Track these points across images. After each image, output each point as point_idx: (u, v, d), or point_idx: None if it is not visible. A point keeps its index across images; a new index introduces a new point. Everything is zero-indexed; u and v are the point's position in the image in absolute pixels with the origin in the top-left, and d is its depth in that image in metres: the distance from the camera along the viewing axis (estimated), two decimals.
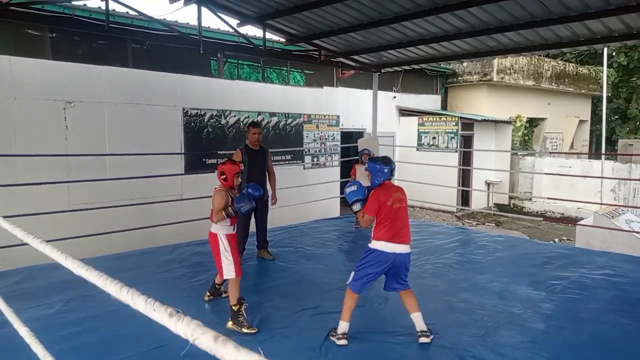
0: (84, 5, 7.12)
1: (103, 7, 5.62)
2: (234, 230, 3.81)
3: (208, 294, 4.19)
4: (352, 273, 3.44)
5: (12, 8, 5.19)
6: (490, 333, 3.51)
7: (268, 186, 5.39)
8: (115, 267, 5.07)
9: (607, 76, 16.24)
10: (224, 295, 4.08)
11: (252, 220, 5.42)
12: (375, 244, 3.34)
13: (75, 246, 5.23)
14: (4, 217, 1.82)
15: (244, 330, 3.51)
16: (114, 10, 7.21)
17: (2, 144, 5.90)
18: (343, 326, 3.37)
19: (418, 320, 3.41)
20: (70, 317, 3.68)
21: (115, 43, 8.02)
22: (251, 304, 4.13)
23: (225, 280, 3.79)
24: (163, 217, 6.51)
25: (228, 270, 3.64)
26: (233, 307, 3.57)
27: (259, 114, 9.26)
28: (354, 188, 3.47)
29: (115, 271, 4.88)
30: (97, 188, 6.36)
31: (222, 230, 3.74)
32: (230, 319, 3.58)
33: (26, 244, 1.54)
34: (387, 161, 3.47)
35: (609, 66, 18.35)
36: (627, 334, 3.54)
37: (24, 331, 1.61)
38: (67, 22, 6.52)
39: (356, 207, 3.44)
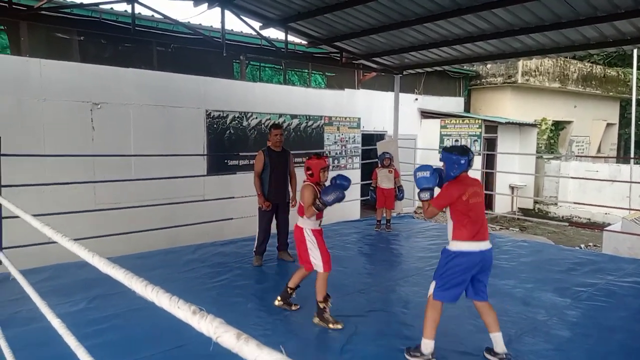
0: (111, 9, 7.29)
1: (129, 10, 5.74)
2: (319, 225, 3.78)
3: (279, 298, 4.00)
4: (433, 282, 3.15)
5: (43, 12, 5.33)
6: (514, 340, 3.44)
7: (289, 188, 5.41)
8: (139, 266, 5.16)
9: (637, 78, 15.80)
10: (293, 307, 3.94)
11: (274, 222, 5.44)
12: (459, 245, 3.05)
13: (100, 245, 5.32)
14: (33, 215, 1.87)
15: (330, 325, 3.55)
16: (139, 13, 7.37)
17: (32, 144, 6.08)
18: (428, 345, 3.09)
19: (499, 340, 3.12)
20: (95, 315, 3.75)
21: (141, 46, 8.18)
22: (271, 305, 4.15)
23: (297, 287, 3.93)
24: (186, 217, 6.60)
25: (317, 264, 3.65)
26: (319, 304, 3.60)
27: (280, 115, 9.32)
28: (426, 174, 3.17)
29: (139, 270, 4.95)
30: (122, 188, 6.49)
31: (309, 224, 3.71)
32: (316, 314, 3.63)
33: (53, 242, 1.57)
34: (465, 151, 3.14)
35: (638, 68, 17.85)
36: None
37: (57, 323, 1.65)
38: (95, 26, 6.69)
39: (424, 195, 3.17)
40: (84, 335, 3.35)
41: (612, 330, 3.65)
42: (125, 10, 7.16)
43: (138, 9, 5.80)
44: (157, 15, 6.41)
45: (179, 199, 6.75)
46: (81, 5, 6.43)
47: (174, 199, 6.71)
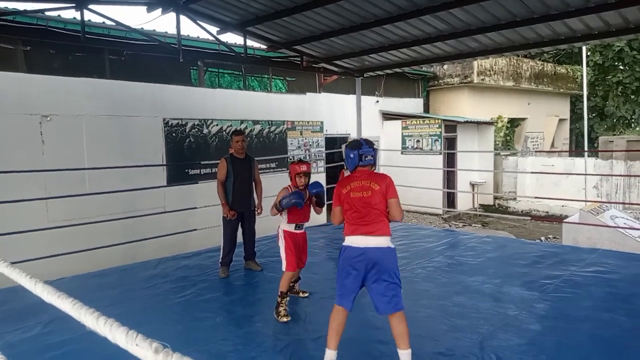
0: (58, 16, 6.94)
1: (78, 17, 5.46)
2: (295, 228, 4.02)
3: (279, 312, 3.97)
4: None
5: None
6: (488, 337, 3.44)
7: (255, 196, 5.27)
8: (96, 285, 4.89)
9: (586, 74, 16.52)
10: (301, 294, 4.35)
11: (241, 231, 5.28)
12: (345, 241, 2.94)
13: (54, 264, 5.04)
14: None
15: (279, 319, 3.79)
16: (89, 20, 7.04)
17: None
18: (327, 356, 2.92)
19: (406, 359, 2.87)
20: (51, 340, 3.50)
21: (92, 54, 7.82)
22: (240, 317, 4.01)
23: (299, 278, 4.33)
24: (146, 231, 6.33)
25: (283, 263, 3.96)
26: (278, 297, 3.87)
27: (242, 122, 9.15)
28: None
29: (96, 289, 4.73)
30: (77, 203, 6.16)
31: (282, 225, 4.04)
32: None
33: None
34: (356, 145, 3.05)
35: (587, 65, 18.68)
36: (623, 331, 3.50)
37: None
38: (41, 34, 6.34)
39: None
40: None
41: (580, 320, 3.72)
42: (74, 18, 6.83)
43: (88, 15, 5.52)
44: (108, 22, 6.14)
45: (138, 212, 6.48)
46: (24, 12, 6.06)
47: (133, 213, 6.42)
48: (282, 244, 3.97)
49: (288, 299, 3.92)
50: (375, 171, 3.11)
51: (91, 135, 6.97)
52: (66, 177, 6.26)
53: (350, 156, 3.01)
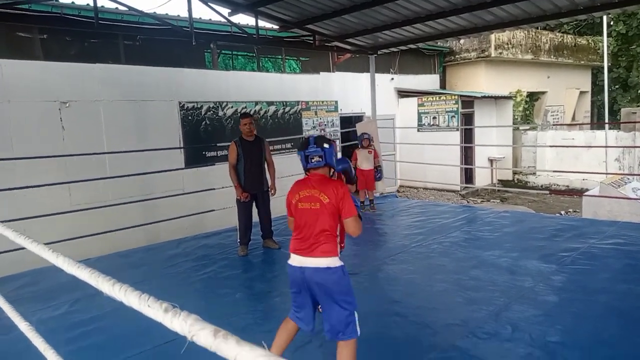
0: (72, 2, 7.01)
1: (91, 3, 5.52)
2: None
3: None
4: None
5: None
6: (503, 309, 3.47)
7: (268, 176, 5.32)
8: (121, 265, 5.05)
9: (607, 45, 16.01)
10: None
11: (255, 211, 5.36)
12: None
13: (79, 247, 5.21)
14: (2, 221, 1.76)
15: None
16: (102, 6, 7.10)
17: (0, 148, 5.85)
18: None
19: None
20: (79, 318, 3.66)
21: (107, 40, 7.91)
22: (259, 293, 4.11)
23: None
24: (166, 212, 6.47)
25: None
26: None
27: (257, 103, 9.18)
28: None
29: (121, 269, 4.89)
30: (98, 187, 6.32)
31: None
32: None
33: (23, 248, 1.48)
34: (302, 144, 2.63)
35: (608, 35, 18.08)
36: None
37: (32, 335, 1.56)
38: (56, 21, 6.42)
39: None
40: (69, 339, 3.28)
41: (596, 292, 3.71)
42: (88, 4, 6.89)
43: (101, 1, 5.58)
44: (121, 8, 6.18)
45: (157, 194, 6.62)
46: (39, 0, 6.15)
47: (152, 195, 6.57)
48: None
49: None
50: (330, 177, 2.67)
51: (109, 120, 7.09)
52: (87, 161, 6.42)
53: (300, 157, 2.61)
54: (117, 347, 3.16)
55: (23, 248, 1.34)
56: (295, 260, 2.52)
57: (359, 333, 2.48)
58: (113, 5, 5.88)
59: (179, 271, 4.79)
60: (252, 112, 8.97)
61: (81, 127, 6.80)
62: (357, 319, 2.49)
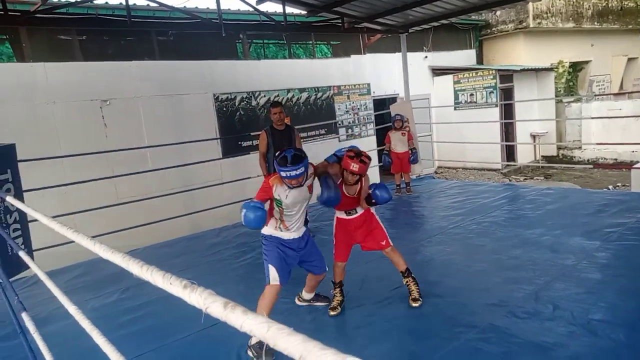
0: (106, 3, 7.25)
1: (124, 2, 5.69)
2: (346, 214, 3.47)
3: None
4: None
5: (38, 15, 5.33)
6: (544, 288, 3.40)
7: None
8: (164, 254, 5.27)
9: None
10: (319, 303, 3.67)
11: None
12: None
13: (125, 238, 5.46)
14: (54, 216, 1.89)
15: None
16: (134, 4, 7.32)
17: (47, 147, 6.18)
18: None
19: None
20: (129, 305, 3.86)
21: (141, 37, 8.14)
22: (296, 277, 4.15)
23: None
24: (206, 202, 6.67)
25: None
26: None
27: (289, 91, 9.23)
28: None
29: (165, 258, 5.09)
30: (141, 180, 6.57)
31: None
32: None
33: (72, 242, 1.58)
34: (280, 162, 2.88)
35: None
36: None
37: (85, 322, 1.68)
38: (92, 22, 6.66)
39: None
40: (120, 324, 3.48)
41: None
42: (121, 3, 7.11)
43: (132, 0, 5.74)
44: (152, 4, 6.35)
45: (197, 185, 6.82)
46: (75, 4, 6.40)
47: (192, 186, 6.77)
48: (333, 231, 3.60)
49: (337, 289, 3.55)
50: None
51: (148, 115, 7.34)
52: (129, 156, 6.68)
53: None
54: (165, 331, 3.33)
55: (72, 241, 1.44)
56: None
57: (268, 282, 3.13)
58: (144, 2, 6.05)
59: (220, 258, 4.95)
60: (283, 100, 9.03)
61: (122, 123, 7.08)
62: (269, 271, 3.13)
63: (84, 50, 7.66)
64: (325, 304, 3.56)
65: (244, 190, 7.07)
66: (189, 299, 0.75)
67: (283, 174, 2.88)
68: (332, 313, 3.44)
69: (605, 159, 12.83)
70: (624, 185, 9.96)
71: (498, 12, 13.83)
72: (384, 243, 3.44)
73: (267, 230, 3.23)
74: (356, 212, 3.45)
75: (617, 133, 12.07)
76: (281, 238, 3.19)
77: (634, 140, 10.54)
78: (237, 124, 8.40)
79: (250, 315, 0.64)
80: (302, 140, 5.57)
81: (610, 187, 10.09)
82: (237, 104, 8.43)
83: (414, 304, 3.35)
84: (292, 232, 3.20)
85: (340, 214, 3.52)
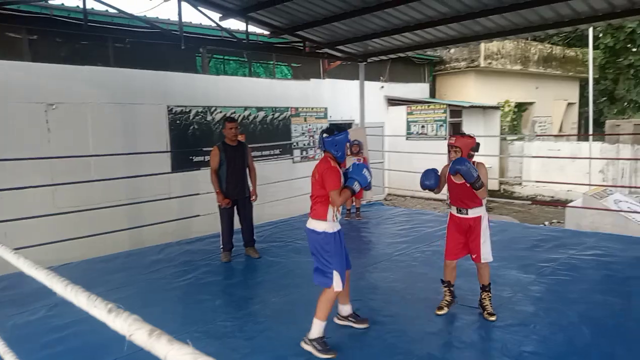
0: (62, 4, 7.00)
1: (81, 5, 5.51)
2: (457, 212, 3.64)
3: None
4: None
5: None
6: (480, 318, 3.50)
7: (249, 182, 5.30)
8: (101, 270, 5.02)
9: (594, 58, 16.26)
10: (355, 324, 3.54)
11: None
12: None
13: (60, 251, 5.17)
14: None
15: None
16: (92, 8, 7.09)
17: None
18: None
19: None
20: (55, 323, 3.62)
21: (96, 42, 7.89)
22: (240, 299, 4.11)
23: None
24: (151, 217, 6.45)
25: None
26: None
27: (246, 108, 9.19)
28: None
29: (101, 274, 4.87)
30: (83, 190, 6.29)
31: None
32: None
33: None
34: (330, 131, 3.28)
35: (596, 48, 18.37)
36: (615, 312, 3.55)
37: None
38: (45, 23, 6.40)
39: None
40: (44, 345, 3.26)
41: (573, 302, 3.76)
42: (78, 6, 6.88)
43: (91, 4, 5.58)
44: (111, 10, 6.18)
45: (143, 198, 6.59)
46: (28, 1, 6.13)
47: (138, 199, 6.54)
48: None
49: (446, 289, 3.70)
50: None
51: (96, 123, 7.07)
52: (72, 164, 6.39)
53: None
54: (92, 353, 3.14)
55: None
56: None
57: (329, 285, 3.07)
58: (103, 7, 5.88)
59: (159, 277, 4.76)
60: (240, 117, 8.98)
61: (68, 129, 6.77)
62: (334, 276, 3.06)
63: (33, 50, 7.31)
64: (366, 326, 3.43)
65: (192, 206, 6.92)
66: (113, 324, 0.71)
67: (343, 137, 3.18)
68: (438, 312, 3.59)
69: (543, 196, 13.55)
70: (558, 222, 10.53)
71: (452, 50, 14.51)
72: (475, 257, 3.58)
73: (324, 225, 3.10)
74: (467, 213, 3.55)
75: (555, 172, 12.81)
76: (339, 232, 3.15)
77: (570, 180, 11.22)
78: (190, 138, 8.25)
79: (175, 345, 0.62)
80: (254, 158, 5.53)
81: (546, 223, 10.64)
82: (191, 117, 8.29)
83: (491, 318, 3.45)
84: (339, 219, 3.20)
85: (453, 210, 3.65)
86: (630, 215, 7.03)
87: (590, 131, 13.36)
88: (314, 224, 3.13)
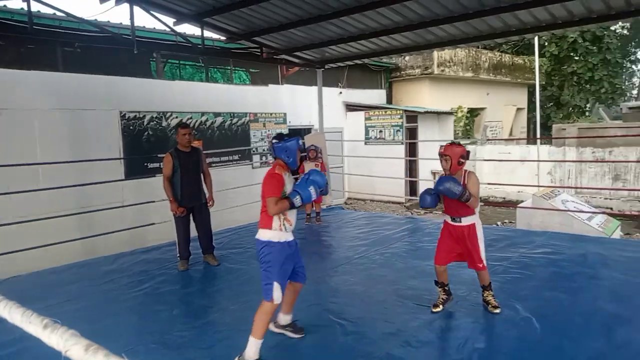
0: (4, 6, 6.68)
1: (26, 8, 5.28)
2: (451, 220, 3.76)
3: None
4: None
5: None
6: (437, 317, 3.60)
7: (204, 188, 5.20)
8: (52, 282, 4.81)
9: (540, 65, 17.07)
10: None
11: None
12: None
13: (6, 264, 4.91)
14: None
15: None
16: (38, 11, 6.81)
17: None
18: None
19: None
20: (1, 340, 3.42)
21: (44, 47, 7.56)
22: (198, 308, 4.03)
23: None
24: (104, 226, 6.24)
25: None
26: None
27: (203, 114, 9.06)
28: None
29: (52, 286, 4.66)
30: (30, 200, 6.00)
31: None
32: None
33: None
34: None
35: (542, 55, 19.30)
36: (563, 308, 3.72)
37: None
38: None
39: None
40: None
41: (524, 299, 3.92)
42: (22, 8, 6.58)
43: (37, 6, 5.35)
44: (59, 13, 5.95)
45: (95, 206, 6.36)
46: None
47: (89, 208, 6.30)
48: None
49: (440, 289, 3.79)
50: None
51: (44, 129, 6.78)
52: (18, 173, 6.09)
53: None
54: None
55: None
56: None
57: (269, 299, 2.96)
58: (50, 10, 5.66)
59: (114, 287, 4.60)
60: (196, 123, 8.84)
61: (13, 136, 6.46)
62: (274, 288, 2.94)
63: None
64: (301, 335, 3.35)
65: (148, 214, 6.74)
66: (49, 340, 0.68)
67: (293, 143, 3.05)
68: (434, 310, 3.66)
69: (495, 197, 14.06)
70: (510, 222, 10.95)
71: (407, 58, 14.86)
72: (481, 266, 3.68)
73: (268, 234, 3.00)
74: (460, 221, 3.65)
75: (506, 174, 13.33)
76: (286, 242, 3.01)
77: (520, 181, 11.71)
78: (145, 144, 8.04)
79: (112, 359, 0.60)
80: (212, 164, 5.45)
81: (499, 223, 11.05)
82: (145, 123, 8.08)
83: (495, 311, 3.60)
84: (291, 229, 3.07)
85: (447, 218, 3.75)
86: (577, 214, 7.40)
87: (538, 135, 14.00)
88: (260, 233, 3.05)
